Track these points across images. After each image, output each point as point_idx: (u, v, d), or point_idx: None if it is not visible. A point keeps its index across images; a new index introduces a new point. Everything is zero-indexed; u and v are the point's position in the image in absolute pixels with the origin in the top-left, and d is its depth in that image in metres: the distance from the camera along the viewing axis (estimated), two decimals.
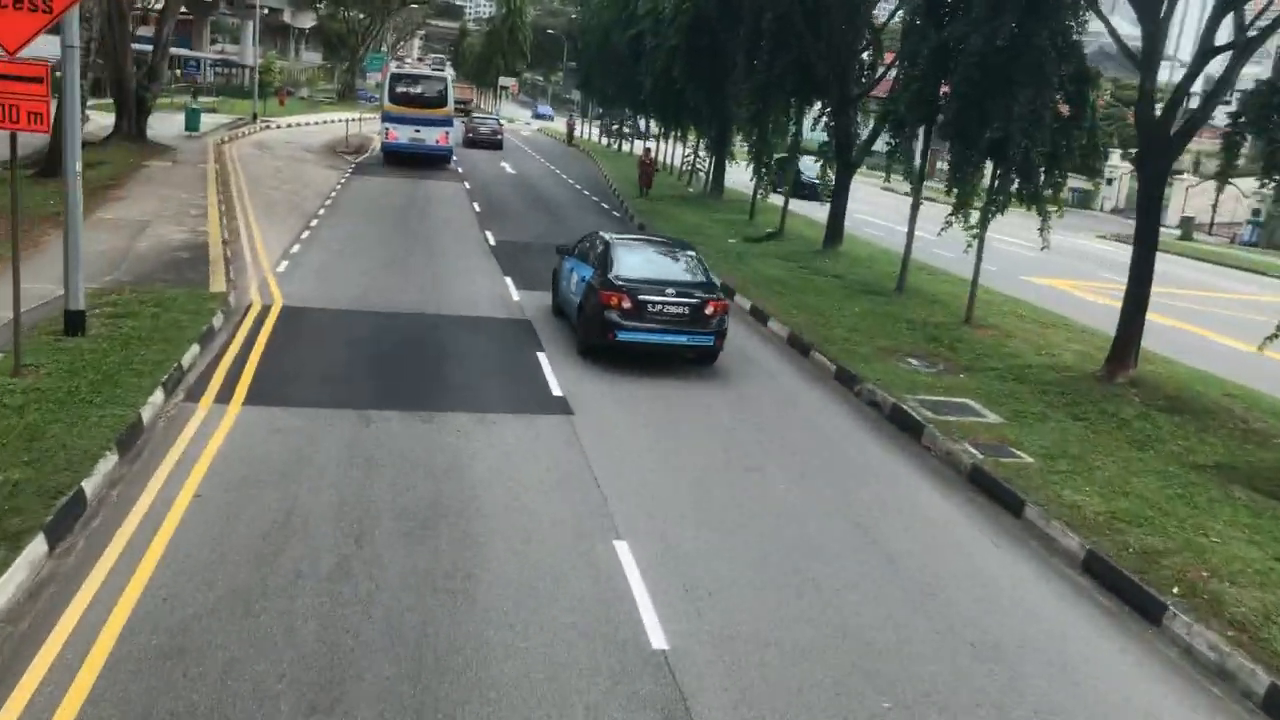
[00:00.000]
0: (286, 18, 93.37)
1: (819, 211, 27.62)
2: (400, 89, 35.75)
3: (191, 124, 41.06)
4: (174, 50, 70.49)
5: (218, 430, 9.62)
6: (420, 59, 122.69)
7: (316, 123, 56.88)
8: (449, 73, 38.96)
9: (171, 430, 9.56)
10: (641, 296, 12.95)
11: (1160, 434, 11.76)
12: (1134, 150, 15.38)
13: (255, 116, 50.78)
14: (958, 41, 16.00)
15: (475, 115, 58.95)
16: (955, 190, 17.10)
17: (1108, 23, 15.05)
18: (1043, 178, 15.74)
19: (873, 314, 17.16)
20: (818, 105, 24.43)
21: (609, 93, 51.98)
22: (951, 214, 17.22)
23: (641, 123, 49.09)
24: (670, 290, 13.18)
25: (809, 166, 32.09)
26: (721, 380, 13.29)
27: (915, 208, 18.79)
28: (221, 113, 52.82)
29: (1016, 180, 15.70)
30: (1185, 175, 49.73)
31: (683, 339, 13.22)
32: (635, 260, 13.86)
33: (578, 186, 36.18)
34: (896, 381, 13.29)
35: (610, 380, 12.68)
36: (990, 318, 17.38)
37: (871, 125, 23.42)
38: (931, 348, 15.31)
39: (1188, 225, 46.23)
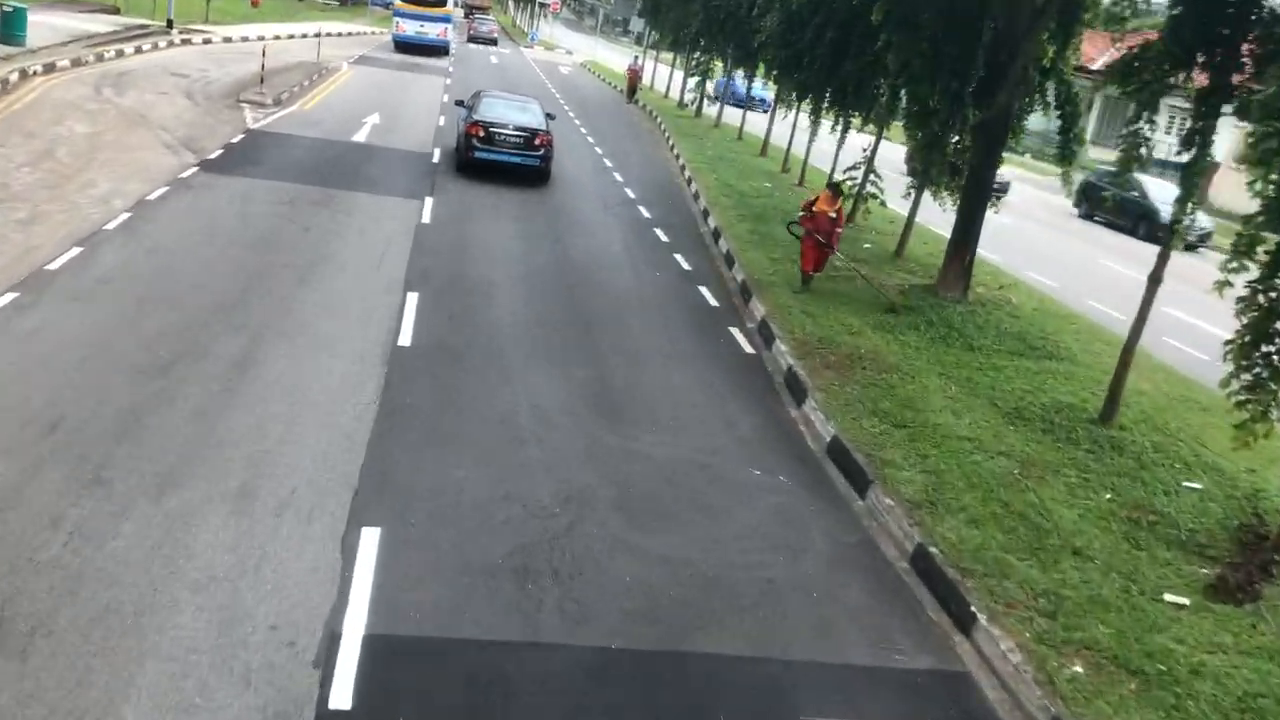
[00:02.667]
0: None
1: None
2: None
3: (13, 30, 23.69)
4: None
5: None
6: None
7: (277, 37, 39.04)
8: None
9: None
10: (491, 129, 18.04)
11: None
12: None
13: (170, 23, 33.08)
14: None
15: (476, 16, 62.05)
16: None
17: None
18: None
19: None
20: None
21: (691, 30, 33.88)
22: None
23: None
24: (512, 126, 18.26)
25: None
26: None
27: None
28: (132, 14, 35.10)
29: None
30: None
31: (517, 159, 18.21)
32: (494, 107, 18.87)
33: (642, 210, 18.69)
34: None
35: None
36: None
37: None
38: None
39: None
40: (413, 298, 11.32)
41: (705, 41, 32.65)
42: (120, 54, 26.60)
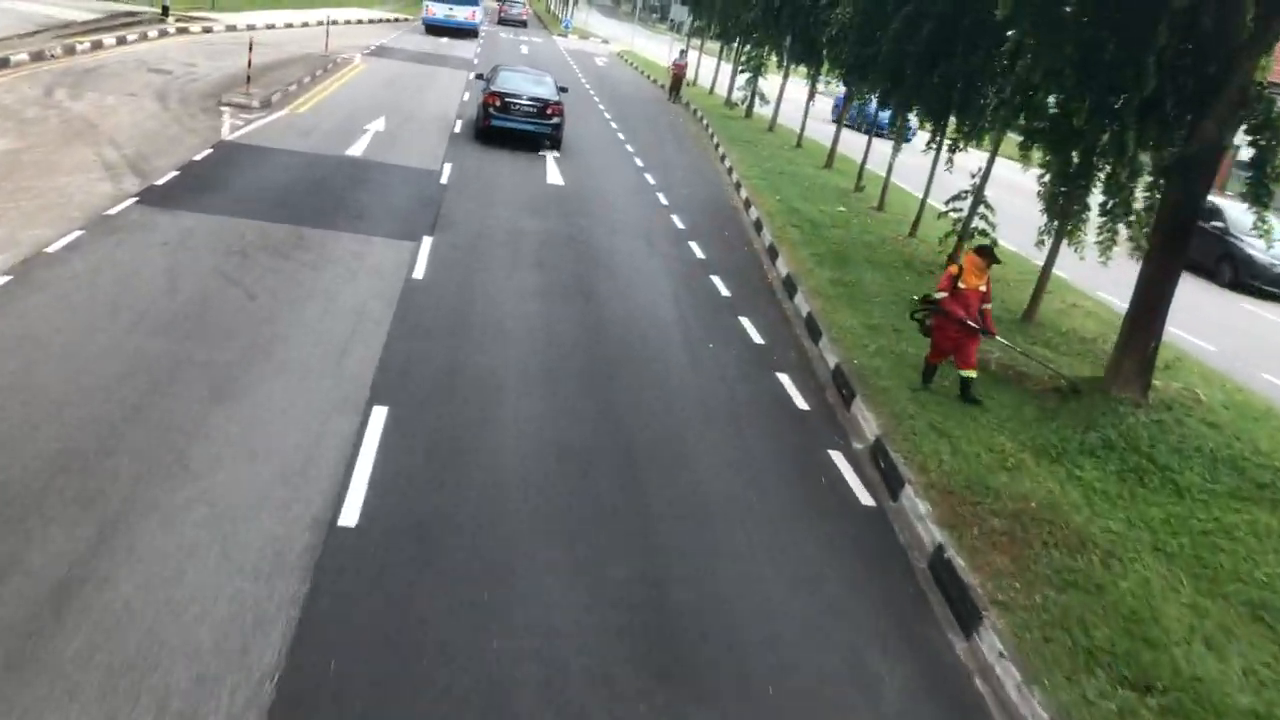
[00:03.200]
0: None
1: None
2: None
3: None
4: None
5: None
6: None
7: (289, 25, 35.68)
8: None
9: None
10: (507, 99, 19.35)
11: None
12: None
13: (166, 10, 29.74)
14: None
15: (506, 1, 60.14)
16: None
17: None
18: None
19: None
20: None
21: (740, 20, 30.01)
22: None
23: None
24: (526, 97, 19.51)
25: None
26: None
27: None
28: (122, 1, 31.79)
29: None
30: None
31: (530, 126, 19.45)
32: (510, 79, 20.27)
33: (694, 248, 14.95)
34: None
35: None
36: None
37: None
38: None
39: None
40: (378, 418, 7.76)
41: (759, 34, 28.75)
42: (97, 46, 23.28)
